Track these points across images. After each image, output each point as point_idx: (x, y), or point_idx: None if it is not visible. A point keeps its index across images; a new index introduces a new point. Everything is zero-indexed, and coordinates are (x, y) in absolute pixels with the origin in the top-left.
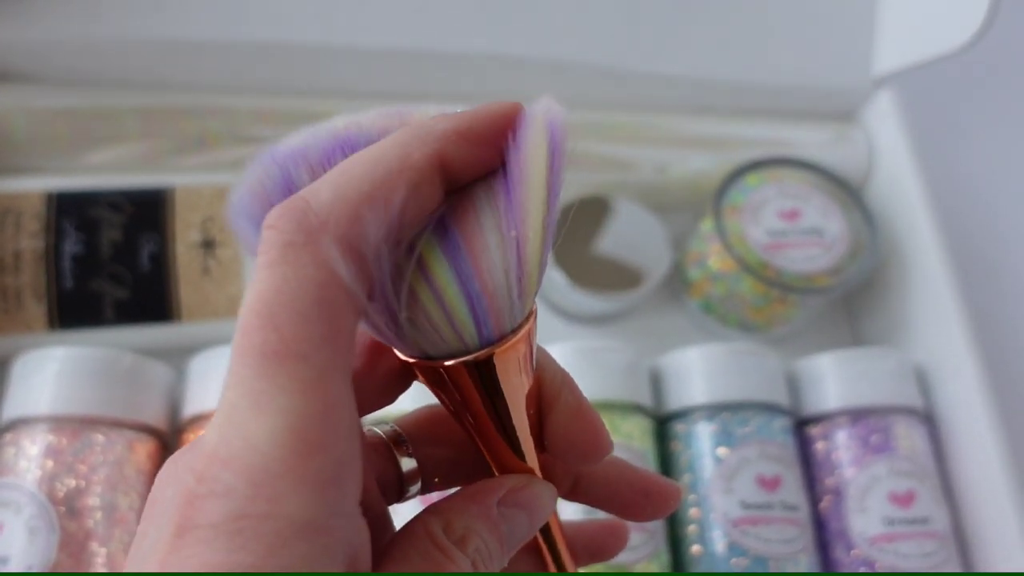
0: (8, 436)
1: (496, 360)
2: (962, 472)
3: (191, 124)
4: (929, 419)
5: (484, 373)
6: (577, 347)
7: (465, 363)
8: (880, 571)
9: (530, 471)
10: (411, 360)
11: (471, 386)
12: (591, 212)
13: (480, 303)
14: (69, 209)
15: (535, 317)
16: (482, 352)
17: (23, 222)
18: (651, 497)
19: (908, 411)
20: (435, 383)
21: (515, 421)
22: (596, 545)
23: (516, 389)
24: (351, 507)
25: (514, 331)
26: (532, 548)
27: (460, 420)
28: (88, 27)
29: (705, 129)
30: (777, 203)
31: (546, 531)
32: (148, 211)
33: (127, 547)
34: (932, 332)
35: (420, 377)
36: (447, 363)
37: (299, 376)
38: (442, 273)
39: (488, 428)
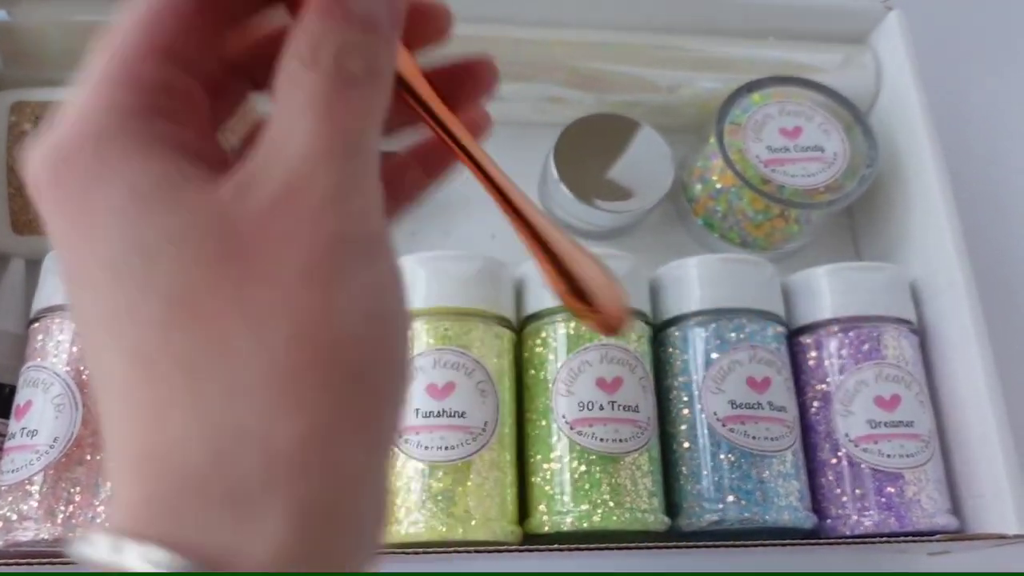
0: (39, 324)
1: None
2: (948, 381)
3: None
4: (920, 331)
5: None
6: None
7: None
8: (864, 470)
9: None
10: None
11: None
12: (595, 131)
13: None
14: None
15: None
16: None
17: None
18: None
19: (899, 322)
20: None
21: None
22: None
23: None
24: None
25: None
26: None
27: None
28: None
29: (717, 50)
30: (779, 121)
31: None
32: None
33: None
34: (928, 248)
35: None
36: None
37: None
38: None
39: None
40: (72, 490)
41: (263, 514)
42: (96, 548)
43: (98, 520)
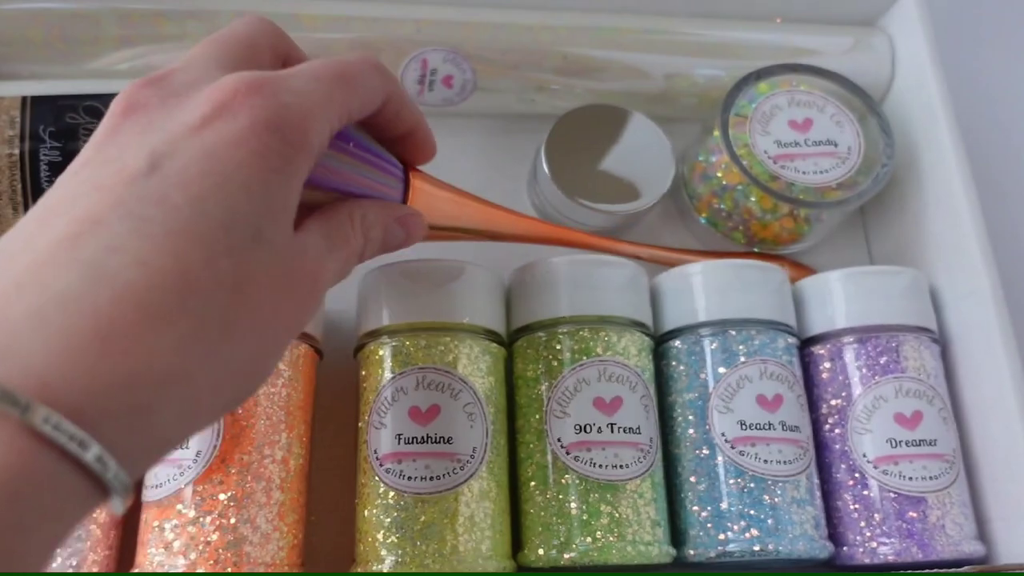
0: None
1: None
2: (972, 394)
3: (170, 26)
4: (941, 339)
5: None
6: (574, 260)
7: None
8: (883, 494)
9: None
10: None
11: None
12: (589, 123)
13: None
14: (45, 115)
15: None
16: None
17: None
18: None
19: (919, 331)
20: None
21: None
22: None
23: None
24: None
25: None
26: None
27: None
28: None
29: (717, 35)
30: (788, 112)
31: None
32: None
33: None
34: (947, 249)
35: None
36: None
37: None
38: None
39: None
40: None
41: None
42: None
43: None
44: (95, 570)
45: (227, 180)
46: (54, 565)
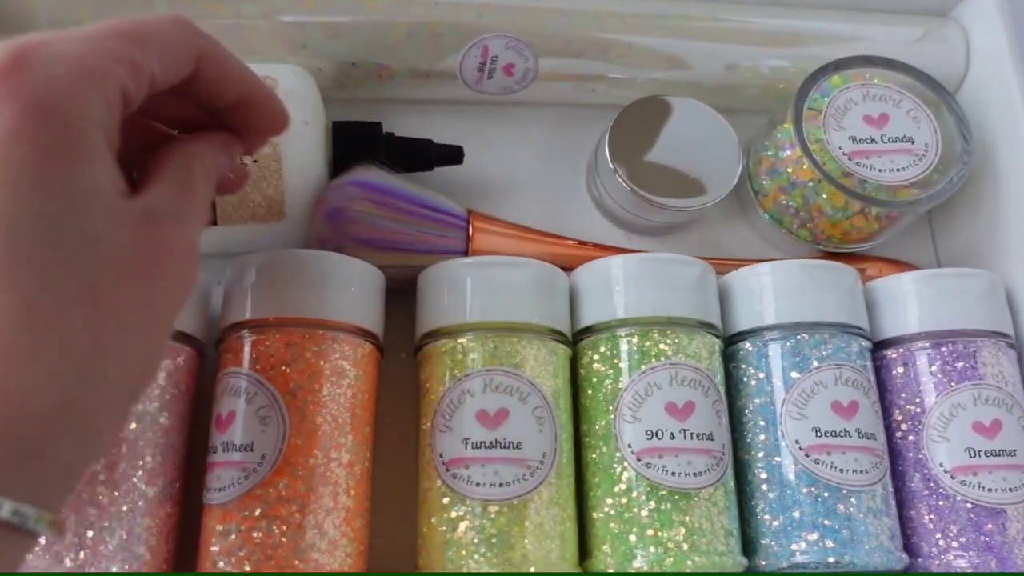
0: None
1: None
2: None
3: (225, 8)
4: (1017, 344)
5: None
6: (641, 258)
7: None
8: (960, 505)
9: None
10: None
11: None
12: (653, 115)
13: None
14: None
15: None
16: None
17: None
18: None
19: (996, 336)
20: None
21: None
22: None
23: None
24: None
25: None
26: None
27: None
28: None
29: (783, 24)
30: (863, 107)
31: None
32: None
33: None
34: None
35: None
36: None
37: None
38: None
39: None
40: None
41: None
42: None
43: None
44: None
45: (23, 184)
46: (113, 568)
